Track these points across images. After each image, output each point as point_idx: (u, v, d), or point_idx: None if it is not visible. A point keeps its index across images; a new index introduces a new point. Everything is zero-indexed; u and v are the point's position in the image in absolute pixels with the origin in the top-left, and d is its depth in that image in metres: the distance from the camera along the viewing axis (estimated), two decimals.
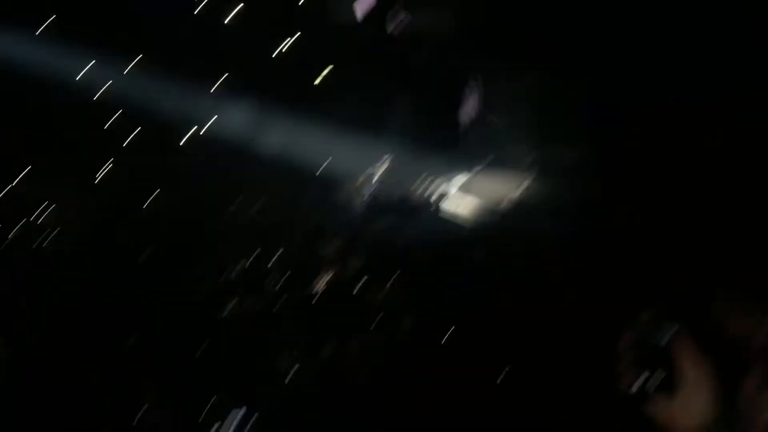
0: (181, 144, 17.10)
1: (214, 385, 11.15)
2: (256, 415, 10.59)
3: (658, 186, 12.80)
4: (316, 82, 17.28)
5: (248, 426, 10.47)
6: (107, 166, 16.33)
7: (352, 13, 15.84)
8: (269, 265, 13.34)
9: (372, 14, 15.38)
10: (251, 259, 13.50)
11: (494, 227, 14.41)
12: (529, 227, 13.99)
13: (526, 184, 15.38)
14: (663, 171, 12.82)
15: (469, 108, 16.55)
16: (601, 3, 12.40)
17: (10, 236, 14.60)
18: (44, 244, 14.49)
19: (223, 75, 17.17)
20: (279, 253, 13.59)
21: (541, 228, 13.84)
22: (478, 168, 16.52)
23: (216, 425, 10.49)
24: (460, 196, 15.49)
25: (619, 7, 12.19)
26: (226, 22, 17.44)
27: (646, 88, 12.69)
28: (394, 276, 12.63)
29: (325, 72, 17.76)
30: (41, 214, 15.13)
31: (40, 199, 15.42)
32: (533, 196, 15.12)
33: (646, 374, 2.96)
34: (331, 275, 12.75)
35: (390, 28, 15.62)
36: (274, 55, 17.35)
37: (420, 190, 15.64)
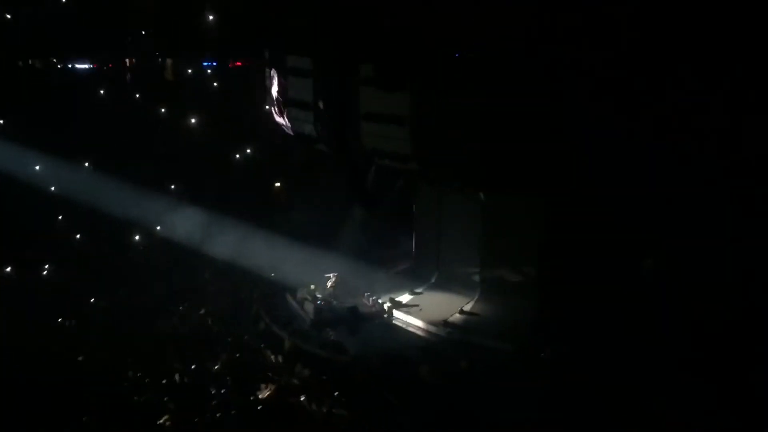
0: (130, 246, 16.97)
1: None
2: None
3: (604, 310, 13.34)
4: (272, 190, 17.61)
5: None
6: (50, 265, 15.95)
7: (311, 128, 16.38)
8: (214, 370, 12.99)
9: (332, 131, 15.84)
10: (196, 364, 13.15)
11: (440, 343, 14.52)
12: (473, 343, 14.19)
13: (471, 302, 15.71)
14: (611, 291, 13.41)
15: (420, 226, 17.10)
16: (552, 128, 13.21)
17: None
18: None
19: (178, 180, 17.36)
20: (224, 358, 13.29)
21: (485, 344, 14.08)
22: (425, 285, 16.87)
23: None
24: (406, 312, 15.63)
25: (571, 131, 13.06)
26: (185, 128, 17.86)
27: (597, 211, 13.41)
28: (340, 387, 12.47)
29: (278, 184, 18.11)
30: None
31: None
32: (477, 313, 15.42)
33: None
34: (276, 383, 12.50)
35: (345, 145, 16.15)
36: (230, 163, 17.73)
37: (368, 303, 15.74)
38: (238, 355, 13.52)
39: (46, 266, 16.04)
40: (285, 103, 16.97)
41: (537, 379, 12.34)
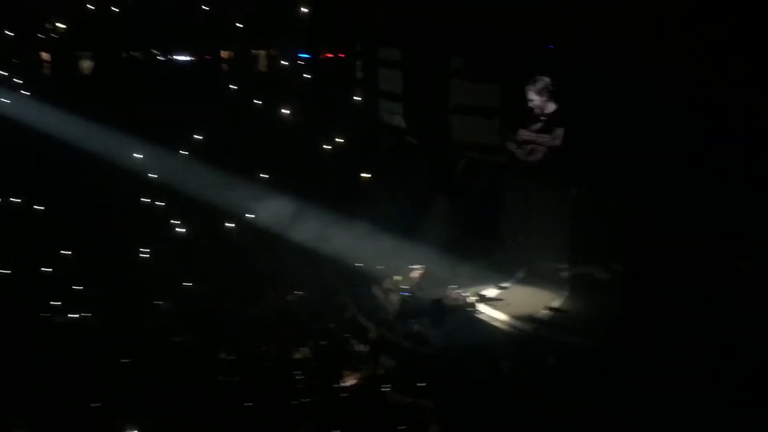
0: (219, 232, 17.46)
1: None
2: None
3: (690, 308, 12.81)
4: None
5: None
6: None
7: (400, 119, 16.46)
8: (298, 356, 13.24)
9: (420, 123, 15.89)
10: (280, 348, 13.42)
11: (525, 339, 14.34)
12: (559, 341, 13.93)
13: (558, 298, 15.44)
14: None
15: (508, 219, 16.91)
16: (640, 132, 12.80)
17: None
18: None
19: (267, 168, 17.72)
20: (311, 345, 13.51)
21: (573, 342, 13.79)
22: (512, 280, 16.67)
23: None
24: (492, 306, 15.51)
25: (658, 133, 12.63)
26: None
27: (683, 211, 12.91)
28: (423, 378, 12.46)
29: (367, 174, 18.22)
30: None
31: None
32: (565, 311, 15.14)
33: None
34: (361, 372, 12.64)
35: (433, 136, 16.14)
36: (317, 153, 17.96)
37: (453, 296, 15.69)
38: (324, 342, 13.72)
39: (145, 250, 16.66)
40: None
41: (622, 379, 12.00)
